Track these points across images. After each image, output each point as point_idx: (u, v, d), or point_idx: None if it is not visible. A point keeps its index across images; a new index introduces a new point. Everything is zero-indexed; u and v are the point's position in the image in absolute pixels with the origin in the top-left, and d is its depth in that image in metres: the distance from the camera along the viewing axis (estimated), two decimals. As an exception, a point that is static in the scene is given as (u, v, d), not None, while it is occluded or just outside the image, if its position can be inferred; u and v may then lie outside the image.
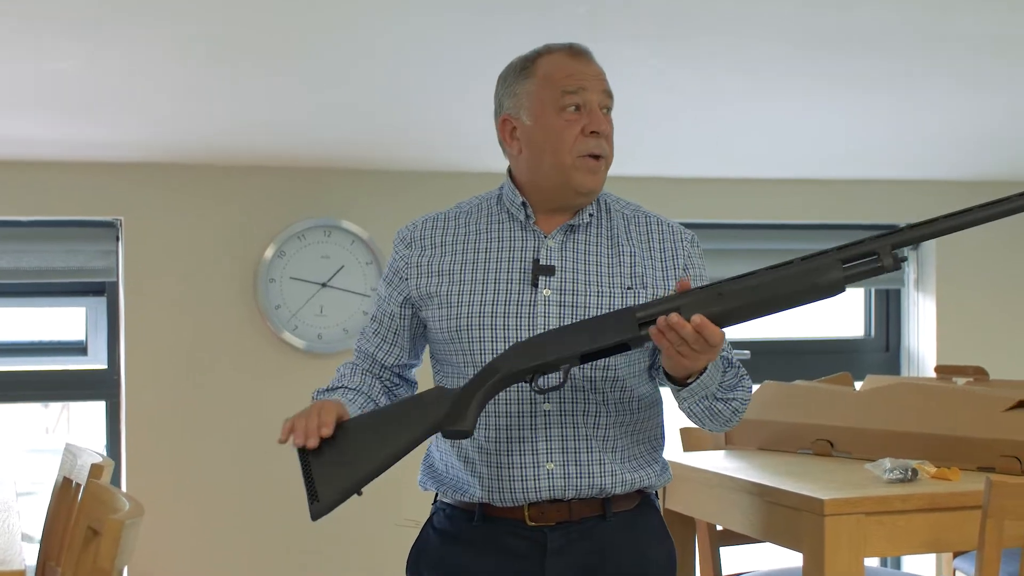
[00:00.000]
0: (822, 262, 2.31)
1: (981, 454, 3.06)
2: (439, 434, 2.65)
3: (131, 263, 4.41)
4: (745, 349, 4.96)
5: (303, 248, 4.49)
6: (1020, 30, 3.96)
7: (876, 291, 5.41)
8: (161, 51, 3.63)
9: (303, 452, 2.41)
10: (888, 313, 5.41)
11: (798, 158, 4.88)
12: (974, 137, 4.85)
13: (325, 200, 4.54)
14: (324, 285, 4.50)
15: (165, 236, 4.42)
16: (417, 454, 2.81)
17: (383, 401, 2.67)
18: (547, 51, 2.60)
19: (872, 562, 5.09)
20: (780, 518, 2.83)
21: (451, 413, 2.43)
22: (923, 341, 5.31)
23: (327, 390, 2.61)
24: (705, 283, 2.59)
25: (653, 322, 2.33)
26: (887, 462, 2.90)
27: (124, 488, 4.36)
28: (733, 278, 2.35)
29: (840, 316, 5.49)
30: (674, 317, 2.30)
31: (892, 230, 2.34)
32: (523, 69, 2.60)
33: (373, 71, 3.90)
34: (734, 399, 2.55)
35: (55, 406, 7.27)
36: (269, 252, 4.44)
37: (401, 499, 3.63)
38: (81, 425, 7.05)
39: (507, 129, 2.62)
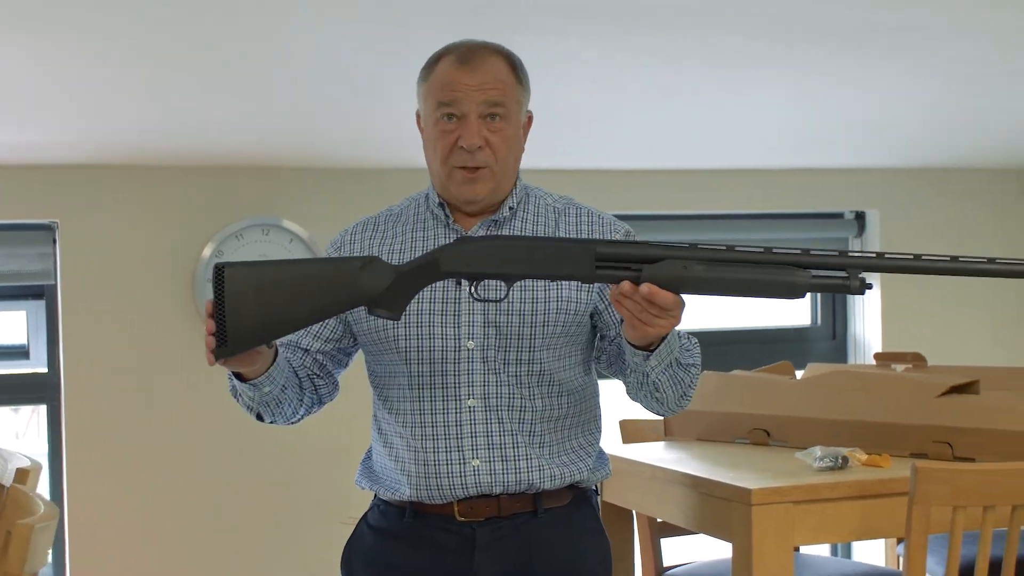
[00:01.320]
0: (795, 270, 2.25)
1: (914, 440, 3.06)
2: (380, 431, 2.65)
3: (68, 266, 4.37)
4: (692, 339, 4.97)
5: (241, 248, 4.46)
6: (960, 16, 3.97)
7: (822, 279, 5.41)
8: (95, 52, 3.60)
9: (219, 287, 2.29)
10: (834, 301, 5.42)
11: (739, 148, 4.87)
12: (916, 124, 4.86)
13: (263, 199, 4.51)
14: (263, 284, 4.47)
15: (102, 238, 4.38)
16: (358, 453, 2.82)
17: (306, 384, 2.66)
18: (444, 53, 2.59)
19: (823, 550, 5.10)
20: (711, 509, 2.83)
21: (387, 292, 2.37)
22: (869, 329, 5.32)
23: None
24: None
25: (610, 260, 2.30)
26: (818, 450, 2.90)
27: (66, 492, 4.33)
28: (708, 248, 2.29)
29: (787, 305, 5.50)
30: (625, 285, 2.26)
31: (868, 254, 2.32)
32: (424, 71, 2.61)
33: (311, 69, 3.88)
34: (692, 366, 2.53)
35: (25, 410, 7.22)
36: (207, 251, 4.41)
37: (347, 497, 3.61)
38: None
39: (419, 127, 2.64)
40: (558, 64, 3.80)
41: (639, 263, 2.28)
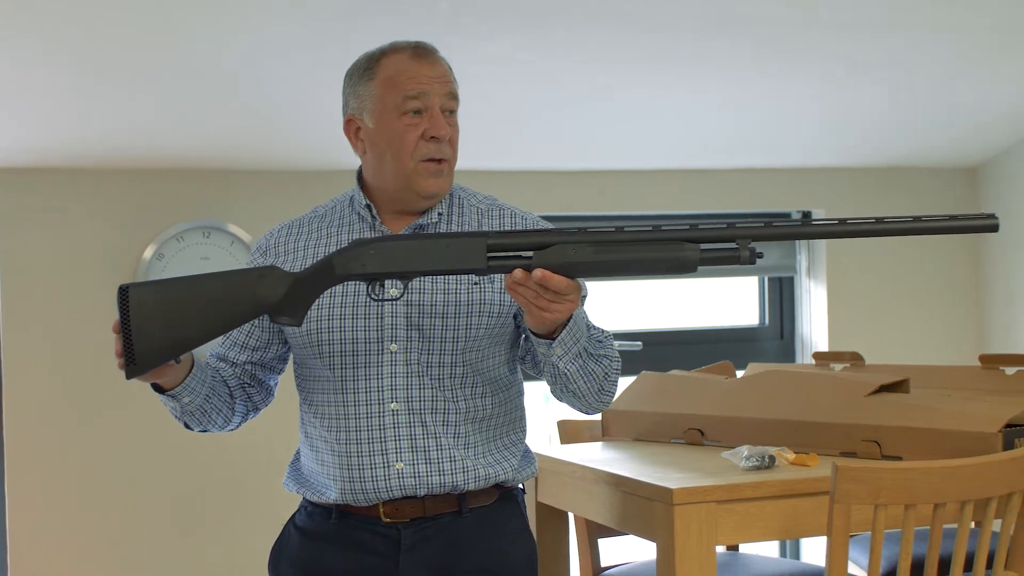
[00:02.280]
0: (685, 245, 2.31)
1: (843, 439, 3.07)
2: (306, 435, 2.65)
3: (7, 269, 4.33)
4: (638, 340, 4.98)
5: (182, 250, 4.44)
6: (905, 14, 3.99)
7: (769, 279, 5.43)
8: (31, 55, 3.59)
9: (124, 308, 2.35)
10: (782, 301, 5.43)
11: (683, 148, 4.88)
12: (862, 123, 4.87)
13: (204, 202, 4.49)
14: (204, 286, 4.45)
15: (40, 242, 4.35)
16: (288, 455, 2.81)
17: (237, 393, 2.67)
18: (392, 50, 2.59)
19: (772, 548, 5.12)
20: (636, 509, 2.83)
21: (286, 299, 2.40)
22: (815, 328, 5.33)
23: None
24: None
25: (502, 250, 2.32)
26: (745, 450, 2.91)
27: (7, 492, 4.31)
28: (597, 230, 2.32)
29: (735, 305, 5.51)
30: (518, 273, 2.29)
31: (755, 223, 2.34)
32: (367, 70, 2.59)
33: (251, 70, 3.87)
34: (605, 356, 2.54)
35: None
36: (148, 254, 4.39)
37: (276, 500, 3.60)
38: None
39: (352, 129, 2.63)
40: (492, 66, 3.81)
41: (531, 250, 2.29)
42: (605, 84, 4.22)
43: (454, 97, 2.58)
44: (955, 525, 2.67)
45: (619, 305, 5.24)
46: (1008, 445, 2.80)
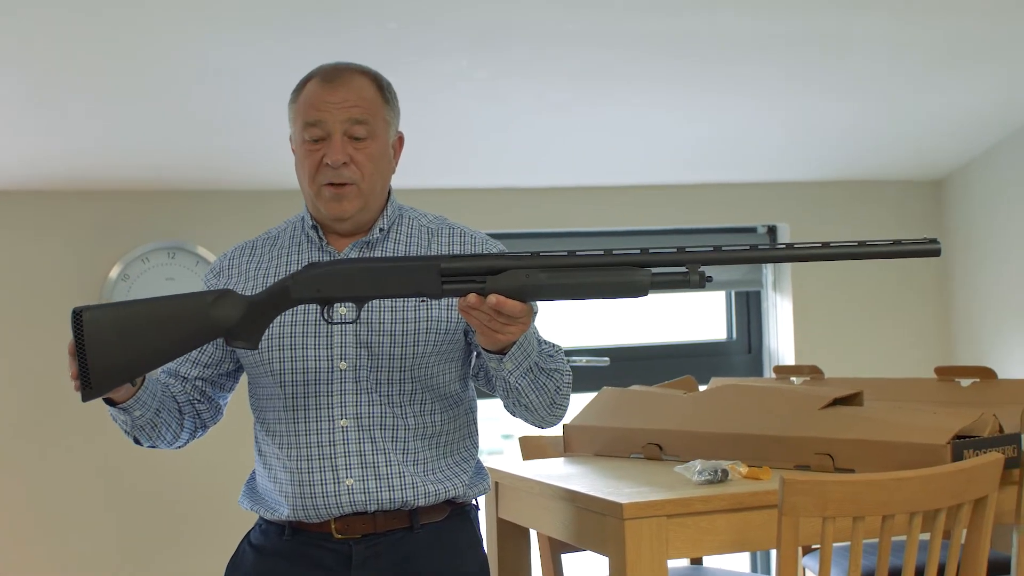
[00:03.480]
0: (636, 270, 2.34)
1: (796, 453, 3.08)
2: (260, 453, 2.67)
3: (-29, 291, 4.36)
4: (605, 356, 4.99)
5: (147, 271, 4.45)
6: (866, 31, 4.01)
7: (736, 294, 5.45)
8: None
9: (78, 331, 2.34)
10: (749, 315, 5.46)
11: (648, 163, 4.90)
12: (827, 137, 4.90)
13: (169, 222, 4.51)
14: (170, 307, 4.46)
15: (4, 263, 4.36)
16: (244, 474, 2.82)
17: (186, 409, 2.68)
18: (311, 76, 2.64)
19: (744, 562, 5.13)
20: (590, 524, 2.84)
21: (241, 323, 2.42)
22: (782, 342, 5.35)
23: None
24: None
25: (455, 275, 2.35)
26: (698, 464, 2.92)
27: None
28: (549, 255, 2.35)
29: (704, 319, 5.53)
30: (472, 298, 2.32)
31: (706, 248, 2.37)
32: (294, 92, 2.66)
33: (214, 91, 3.88)
34: (556, 371, 2.57)
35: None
36: (113, 275, 4.40)
37: (231, 517, 3.61)
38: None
39: (292, 149, 2.67)
40: (448, 84, 3.82)
41: (484, 275, 2.32)
42: (561, 101, 4.24)
43: (359, 121, 2.57)
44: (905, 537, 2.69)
45: (587, 321, 5.26)
46: (957, 456, 2.82)
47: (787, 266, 5.30)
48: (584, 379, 4.74)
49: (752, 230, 5.41)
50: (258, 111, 4.03)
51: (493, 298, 2.31)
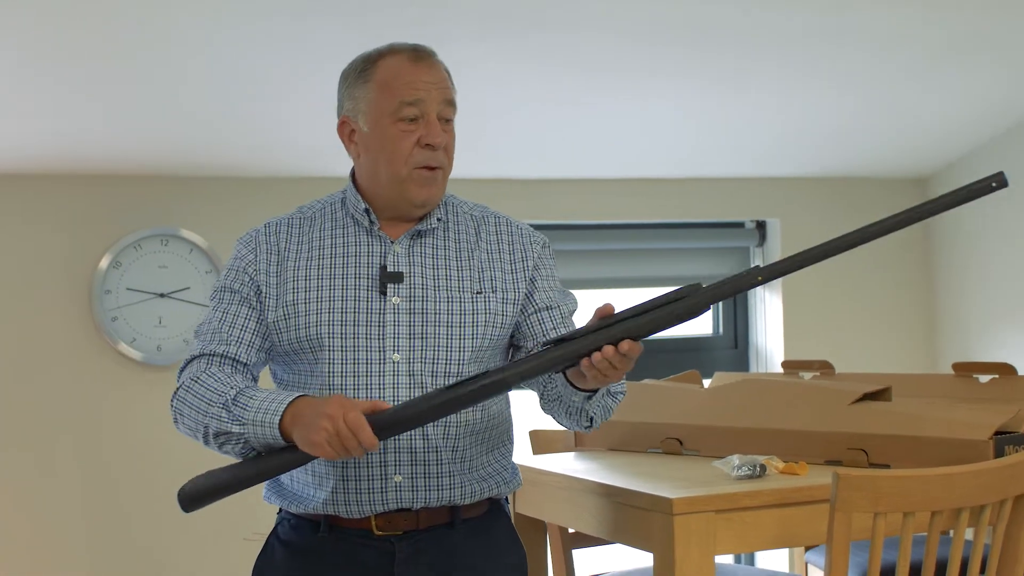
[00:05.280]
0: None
1: (828, 448, 3.06)
2: None
3: (-42, 278, 4.25)
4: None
5: (140, 258, 4.36)
6: (857, 27, 4.01)
7: (724, 289, 5.42)
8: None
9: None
10: (736, 310, 5.44)
11: (639, 157, 4.88)
12: (817, 134, 4.90)
13: (162, 209, 4.42)
14: (163, 296, 4.38)
15: (-5, 249, 4.27)
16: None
17: None
18: (389, 52, 2.53)
19: (727, 559, 5.11)
20: (630, 519, 2.80)
21: None
22: (771, 337, 5.34)
23: (233, 401, 2.40)
24: (557, 280, 2.65)
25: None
26: (735, 459, 2.89)
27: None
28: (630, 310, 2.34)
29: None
30: (609, 351, 2.27)
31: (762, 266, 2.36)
32: (362, 72, 2.53)
33: (207, 76, 3.81)
34: (620, 392, 2.57)
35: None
36: (104, 263, 4.30)
37: (247, 513, 3.54)
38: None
39: (345, 131, 2.57)
40: (456, 71, 3.79)
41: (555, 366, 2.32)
42: (567, 91, 4.20)
43: (451, 104, 2.53)
44: (924, 534, 2.67)
45: (575, 314, 5.21)
46: (999, 452, 2.80)
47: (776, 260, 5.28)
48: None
49: (740, 225, 5.39)
50: (257, 98, 3.96)
51: (625, 345, 2.28)
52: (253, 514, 3.34)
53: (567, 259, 5.06)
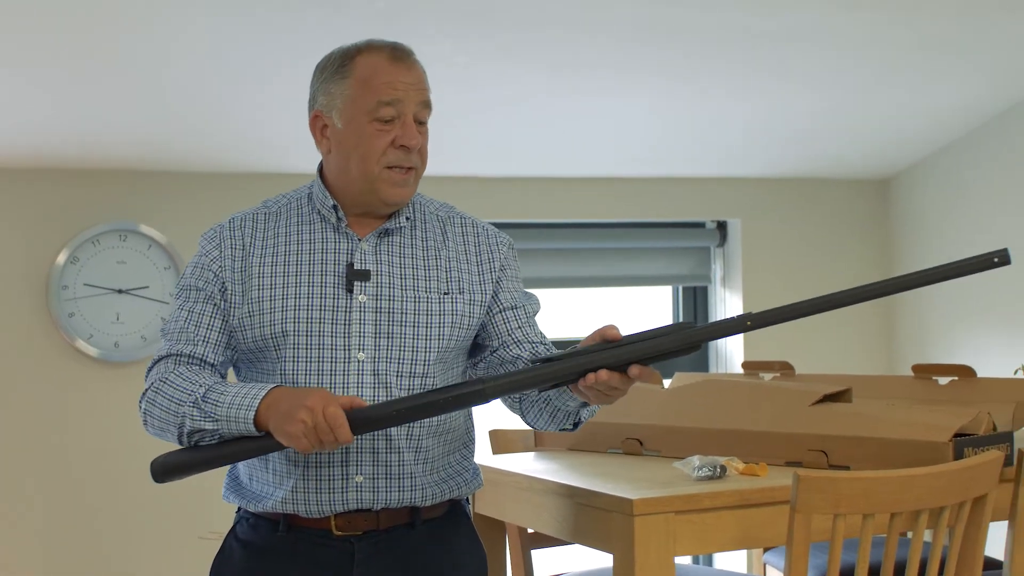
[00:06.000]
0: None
1: (789, 449, 3.06)
2: None
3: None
4: (557, 349, 4.94)
5: (97, 253, 4.32)
6: (824, 28, 4.01)
7: (684, 288, 5.44)
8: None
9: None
10: (696, 310, 5.44)
11: (602, 157, 4.87)
12: (779, 135, 4.91)
13: (120, 204, 4.38)
14: (121, 292, 4.34)
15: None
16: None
17: None
18: (368, 49, 2.50)
19: (684, 560, 5.11)
20: (590, 519, 2.78)
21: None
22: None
23: (203, 398, 2.38)
24: (521, 282, 2.65)
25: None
26: (696, 459, 2.88)
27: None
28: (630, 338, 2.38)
29: (649, 314, 5.51)
30: (603, 374, 2.30)
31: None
32: (340, 67, 2.50)
33: (169, 71, 3.78)
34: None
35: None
36: (61, 258, 4.26)
37: (204, 511, 3.52)
38: None
39: (318, 125, 2.54)
40: (427, 68, 3.78)
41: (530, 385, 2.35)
42: (532, 90, 4.20)
43: (428, 106, 2.52)
44: (884, 535, 2.67)
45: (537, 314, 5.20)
46: (958, 454, 2.81)
47: (737, 261, 5.30)
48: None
49: (701, 225, 5.40)
50: (218, 92, 3.93)
51: (635, 370, 2.33)
52: (214, 513, 3.32)
53: (531, 257, 5.05)
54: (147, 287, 4.36)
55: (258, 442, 2.35)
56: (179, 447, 2.44)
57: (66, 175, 4.33)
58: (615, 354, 2.31)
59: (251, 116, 4.09)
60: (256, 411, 2.33)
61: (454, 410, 2.37)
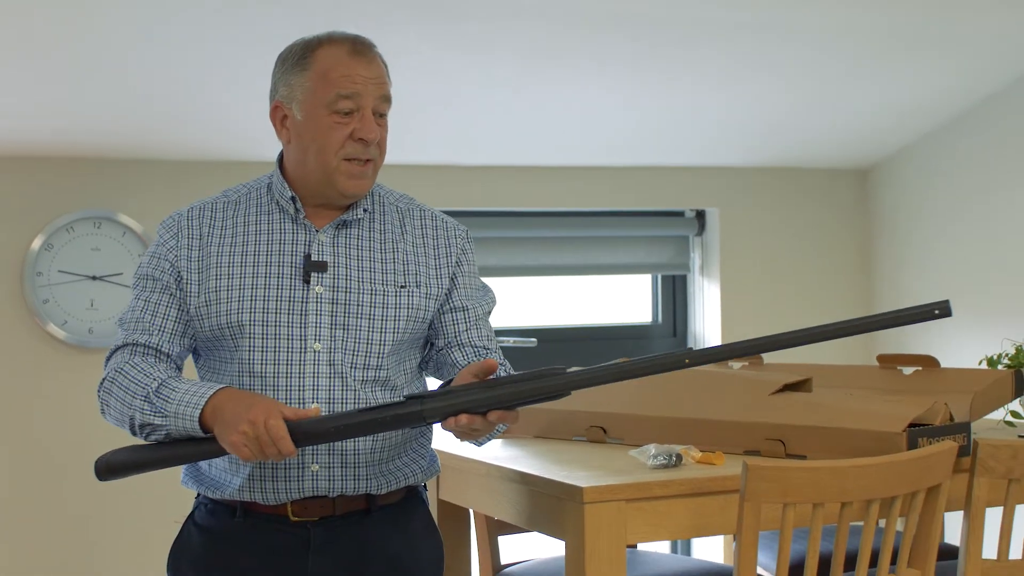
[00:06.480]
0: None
1: (747, 438, 3.07)
2: None
3: None
4: (532, 336, 4.95)
5: (72, 240, 4.34)
6: (800, 16, 4.02)
7: (663, 277, 5.45)
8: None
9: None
10: (675, 298, 5.45)
11: (579, 145, 4.87)
12: (758, 124, 4.91)
13: (95, 191, 4.39)
14: (95, 278, 4.36)
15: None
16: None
17: None
18: (329, 42, 2.52)
19: (663, 547, 5.13)
20: (544, 506, 2.80)
21: None
22: (708, 326, 5.36)
23: (155, 393, 2.41)
24: (476, 276, 2.68)
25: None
26: (652, 448, 2.89)
27: None
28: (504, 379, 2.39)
29: (629, 302, 5.52)
30: (464, 419, 2.33)
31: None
32: (301, 59, 2.52)
33: (145, 58, 3.79)
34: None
35: None
36: (36, 244, 4.28)
37: (176, 497, 3.53)
38: None
39: (278, 116, 2.57)
40: (392, 57, 3.79)
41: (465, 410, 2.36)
42: (504, 79, 4.20)
43: (387, 100, 2.54)
44: (860, 523, 2.69)
45: (514, 301, 5.22)
46: (912, 444, 2.82)
47: (716, 251, 5.31)
48: (512, 359, 4.65)
49: (680, 214, 5.40)
50: (193, 80, 3.94)
51: (495, 415, 2.35)
52: (169, 499, 3.33)
53: (504, 246, 5.06)
54: (121, 274, 4.37)
55: (203, 446, 2.39)
56: (133, 439, 2.48)
57: (41, 163, 4.34)
58: (482, 398, 2.34)
59: (227, 105, 4.10)
60: (202, 411, 2.36)
61: (393, 429, 2.41)
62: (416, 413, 2.35)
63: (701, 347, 5.39)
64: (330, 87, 2.48)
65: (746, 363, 3.82)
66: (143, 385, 2.41)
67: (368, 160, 2.52)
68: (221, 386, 2.40)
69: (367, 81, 2.49)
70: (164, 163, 4.47)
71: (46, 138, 4.20)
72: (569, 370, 2.42)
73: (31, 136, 4.17)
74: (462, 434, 2.42)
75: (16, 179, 4.31)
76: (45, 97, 3.94)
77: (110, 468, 2.44)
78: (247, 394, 2.39)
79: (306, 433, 2.33)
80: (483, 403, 2.33)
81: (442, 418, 2.35)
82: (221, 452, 2.38)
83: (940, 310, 2.41)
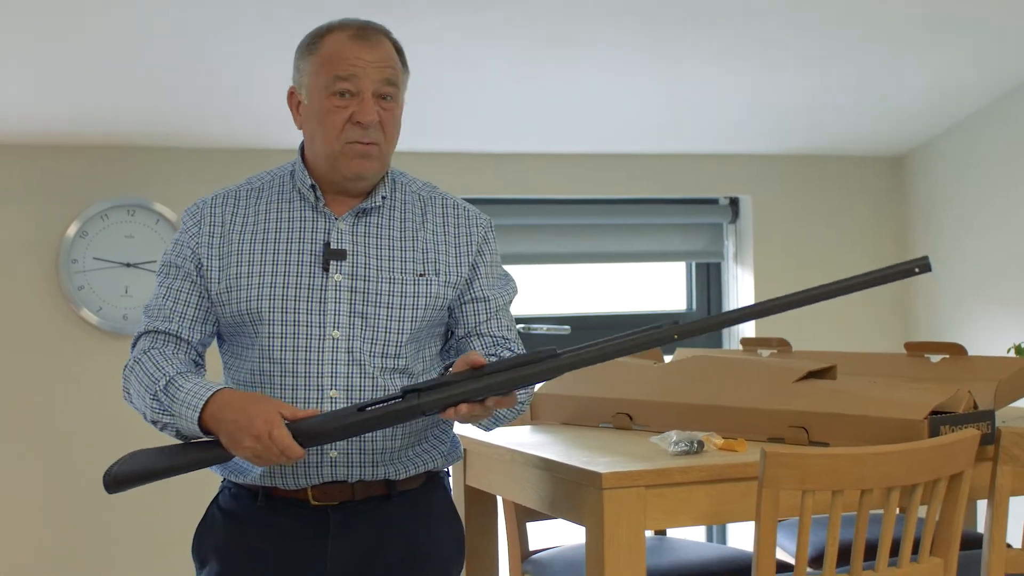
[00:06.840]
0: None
1: (771, 425, 3.07)
2: None
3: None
4: (566, 324, 4.97)
5: (106, 228, 4.38)
6: (835, 4, 4.00)
7: (697, 265, 5.44)
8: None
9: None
10: (709, 286, 5.45)
11: (613, 132, 4.87)
12: (791, 111, 4.90)
13: (129, 179, 4.43)
14: (129, 265, 4.40)
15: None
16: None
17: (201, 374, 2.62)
18: (338, 28, 2.55)
19: (699, 533, 5.13)
20: (564, 492, 2.82)
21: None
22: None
23: (163, 391, 2.46)
24: (497, 265, 2.67)
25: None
26: (673, 435, 2.90)
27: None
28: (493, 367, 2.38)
29: (663, 290, 5.52)
30: (464, 408, 2.34)
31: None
32: (310, 44, 2.56)
33: (180, 45, 3.82)
34: (522, 403, 2.60)
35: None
36: (71, 231, 4.32)
37: (196, 479, 3.56)
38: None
39: (293, 102, 2.61)
40: (416, 46, 3.80)
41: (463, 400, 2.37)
42: (532, 66, 4.20)
43: (391, 83, 2.54)
44: (881, 511, 2.68)
45: (548, 289, 5.23)
46: (934, 432, 2.81)
47: (749, 238, 5.29)
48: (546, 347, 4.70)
49: (714, 201, 5.39)
50: (224, 68, 3.96)
51: (491, 402, 2.36)
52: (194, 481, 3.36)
53: (539, 233, 5.07)
54: (154, 261, 4.41)
55: (211, 452, 2.44)
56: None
57: (75, 151, 4.38)
58: (477, 388, 2.35)
59: (260, 90, 4.13)
60: (200, 415, 2.41)
61: (391, 425, 2.42)
62: (414, 407, 2.36)
63: (727, 332, 5.39)
64: (329, 70, 2.51)
65: (774, 350, 3.82)
66: (154, 380, 2.46)
67: (370, 143, 2.52)
68: (218, 388, 2.43)
69: (367, 64, 2.50)
70: (198, 151, 4.51)
71: (80, 127, 4.24)
72: (561, 352, 2.42)
73: (65, 125, 4.22)
74: (463, 420, 2.43)
75: (51, 167, 4.35)
76: (79, 87, 3.98)
77: (118, 480, 2.46)
78: (244, 398, 2.41)
79: (309, 434, 2.36)
80: (479, 391, 2.34)
81: (441, 409, 2.35)
82: (229, 457, 2.44)
83: (920, 267, 2.48)
